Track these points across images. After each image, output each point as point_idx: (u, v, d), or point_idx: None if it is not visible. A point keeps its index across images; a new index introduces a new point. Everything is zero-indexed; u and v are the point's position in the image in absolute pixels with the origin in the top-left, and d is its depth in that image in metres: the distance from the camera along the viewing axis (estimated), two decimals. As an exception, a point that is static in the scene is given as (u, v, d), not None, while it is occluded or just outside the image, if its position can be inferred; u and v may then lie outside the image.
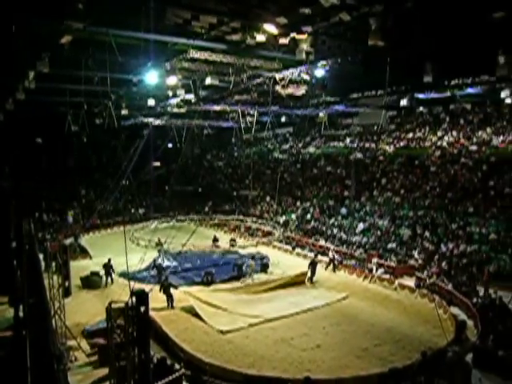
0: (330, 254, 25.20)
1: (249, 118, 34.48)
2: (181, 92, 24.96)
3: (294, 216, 34.67)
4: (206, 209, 41.31)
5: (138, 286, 13.46)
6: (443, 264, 22.46)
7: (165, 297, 18.55)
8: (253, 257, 24.84)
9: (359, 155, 38.51)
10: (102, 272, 22.27)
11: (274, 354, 14.53)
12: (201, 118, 35.15)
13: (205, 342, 15.28)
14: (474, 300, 18.09)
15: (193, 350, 14.13)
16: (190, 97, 26.51)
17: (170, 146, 43.91)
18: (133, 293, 9.47)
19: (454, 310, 18.09)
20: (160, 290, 18.55)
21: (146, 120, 36.62)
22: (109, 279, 22.35)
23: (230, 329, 16.32)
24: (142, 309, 9.30)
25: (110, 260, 22.45)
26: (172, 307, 18.37)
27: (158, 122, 36.97)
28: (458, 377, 12.33)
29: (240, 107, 31.75)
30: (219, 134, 50.72)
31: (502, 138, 30.82)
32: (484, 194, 27.50)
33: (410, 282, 21.60)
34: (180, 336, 15.39)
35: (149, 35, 15.74)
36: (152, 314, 13.06)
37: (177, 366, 11.94)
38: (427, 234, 26.23)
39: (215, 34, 17.11)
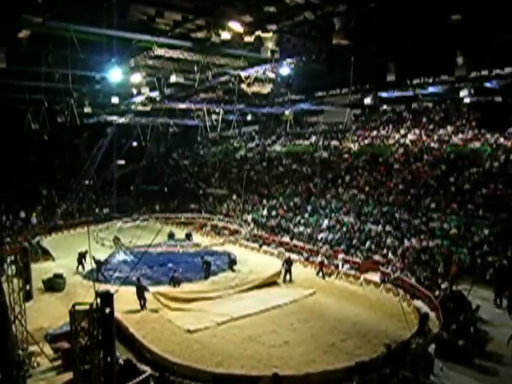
0: (319, 257, 24.08)
1: (214, 117, 34.30)
2: (145, 90, 24.61)
3: (260, 214, 34.75)
4: (172, 208, 40.86)
5: (103, 287, 13.23)
6: (407, 259, 23.00)
7: (135, 298, 18.28)
8: (220, 255, 24.77)
9: (324, 153, 39.00)
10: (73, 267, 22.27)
11: (242, 351, 14.53)
12: (166, 116, 34.74)
13: (172, 342, 15.14)
14: (436, 293, 18.61)
15: (160, 351, 13.97)
16: (155, 95, 26.18)
17: (134, 144, 43.22)
18: (97, 294, 9.29)
19: (418, 303, 18.58)
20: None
21: (109, 118, 35.88)
22: (80, 268, 22.86)
23: (198, 328, 16.23)
24: (107, 310, 9.15)
25: (86, 251, 22.48)
26: (143, 308, 18.19)
27: (122, 120, 36.31)
28: (422, 367, 12.69)
29: (205, 105, 31.56)
30: (185, 132, 50.30)
31: (461, 136, 31.86)
32: (445, 191, 28.33)
33: (375, 277, 22.02)
34: (147, 337, 15.19)
35: (112, 31, 15.46)
36: (118, 315, 12.82)
37: (144, 368, 11.79)
38: (391, 229, 26.80)
39: (180, 31, 16.96)
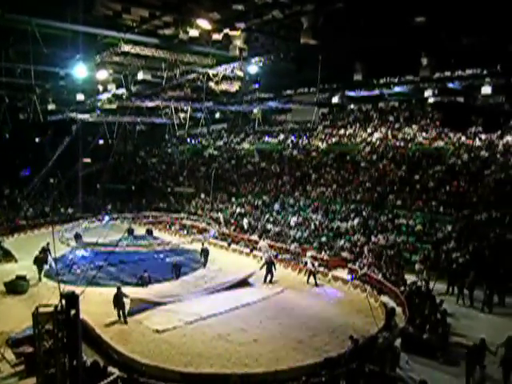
0: (309, 262, 22.23)
1: (182, 114, 34.03)
2: (112, 87, 24.18)
3: (228, 212, 34.70)
4: (140, 207, 40.33)
5: (69, 288, 12.91)
6: (373, 255, 23.40)
7: (102, 298, 17.84)
8: (190, 254, 24.59)
9: (293, 151, 39.29)
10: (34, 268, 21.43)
11: (212, 350, 14.48)
12: (133, 113, 34.24)
13: (141, 343, 14.95)
14: (402, 288, 19.02)
15: (128, 352, 13.76)
16: (122, 92, 25.75)
17: (101, 142, 42.43)
18: (62, 295, 9.07)
19: (384, 298, 18.95)
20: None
21: (74, 115, 35.06)
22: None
23: (166, 328, 16.06)
24: (73, 312, 8.94)
25: (48, 244, 22.06)
26: (125, 322, 16.64)
27: (87, 117, 35.54)
28: (388, 361, 12.96)
29: (173, 103, 31.26)
30: (152, 130, 49.72)
31: (425, 134, 32.65)
32: (410, 188, 28.98)
33: (343, 273, 22.32)
34: (115, 338, 14.94)
35: (76, 26, 15.10)
36: (84, 316, 12.55)
37: (111, 369, 11.59)
38: (359, 226, 27.23)
39: (147, 27, 16.72)
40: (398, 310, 17.08)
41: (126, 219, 33.22)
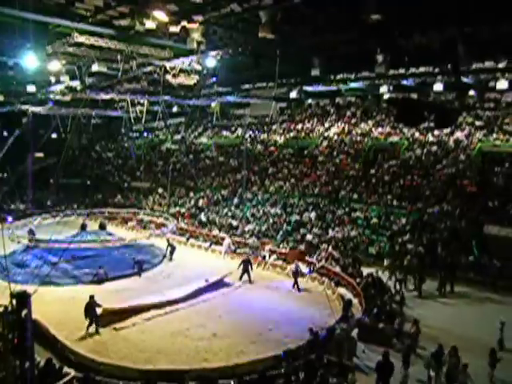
0: (293, 267, 20.70)
1: (139, 108, 33.43)
2: (65, 78, 23.45)
3: (187, 207, 34.41)
4: (95, 202, 39.33)
5: (20, 287, 12.44)
6: (331, 248, 23.82)
7: (56, 296, 17.17)
8: (150, 250, 24.21)
9: (251, 145, 39.36)
10: None
11: (171, 346, 14.35)
12: (88, 106, 33.30)
13: (98, 342, 14.60)
14: (358, 280, 19.46)
15: (85, 351, 13.43)
16: (76, 84, 24.99)
17: (54, 136, 41.04)
18: (13, 295, 8.73)
19: (342, 290, 19.32)
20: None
21: (25, 107, 33.74)
22: None
23: (124, 325, 15.77)
24: (24, 312, 8.61)
25: None
26: (97, 331, 15.22)
27: (39, 109, 34.29)
28: (345, 351, 13.27)
29: (130, 96, 30.65)
30: (108, 123, 48.62)
31: (380, 129, 33.46)
32: (366, 182, 29.65)
33: (302, 266, 22.55)
34: (70, 337, 14.52)
35: (26, 14, 14.49)
36: (37, 316, 12.14)
37: (67, 370, 11.29)
38: (317, 220, 27.63)
39: (102, 17, 16.30)
40: (355, 301, 17.48)
41: (80, 215, 32.34)
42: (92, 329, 15.11)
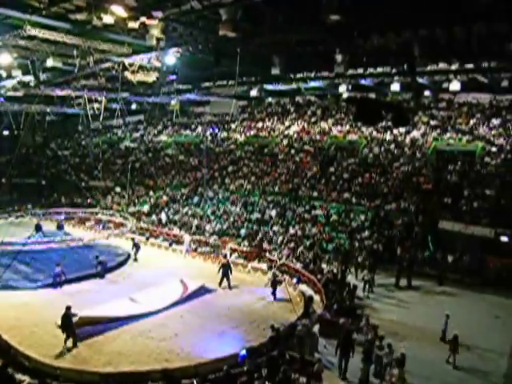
0: (271, 274, 19.77)
1: (96, 105, 32.62)
2: (17, 73, 22.56)
3: (147, 206, 33.87)
4: (51, 202, 38.11)
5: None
6: (292, 245, 24.05)
7: (7, 302, 16.35)
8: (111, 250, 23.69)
9: (211, 143, 39.22)
10: None
11: (132, 347, 14.09)
12: (42, 102, 32.20)
13: (55, 346, 14.06)
14: (319, 276, 19.73)
15: (40, 356, 12.93)
16: (29, 79, 24.11)
17: (6, 133, 39.50)
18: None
19: (303, 287, 19.54)
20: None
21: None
22: None
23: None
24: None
25: None
26: (75, 345, 14.04)
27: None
28: (307, 347, 13.44)
29: (86, 92, 29.86)
30: (64, 120, 47.26)
31: (340, 128, 34.05)
32: (326, 180, 30.09)
33: (262, 264, 22.67)
34: (24, 342, 13.94)
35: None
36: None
37: (21, 377, 10.85)
38: (277, 218, 27.81)
39: (56, 10, 15.78)
40: (316, 297, 17.71)
41: (35, 216, 31.25)
42: (69, 343, 13.99)
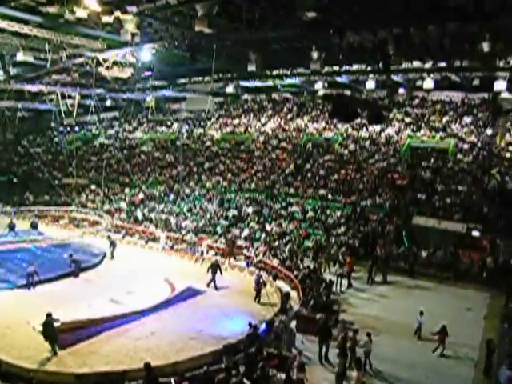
0: (255, 278, 18.55)
1: (70, 101, 32.01)
2: (-15, 67, 21.96)
3: (123, 204, 33.44)
4: (23, 200, 37.22)
5: None
6: (268, 242, 24.12)
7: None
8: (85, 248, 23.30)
9: (187, 140, 38.98)
10: None
11: (108, 347, 13.89)
12: (12, 98, 31.38)
13: (28, 348, 13.69)
14: (295, 273, 19.83)
15: (12, 359, 12.54)
16: (-2, 73, 23.51)
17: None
18: None
19: (280, 283, 19.59)
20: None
21: None
22: None
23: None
24: None
25: None
26: (55, 353, 13.29)
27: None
28: (285, 342, 13.50)
29: (59, 88, 29.23)
30: (36, 117, 46.22)
31: (316, 125, 34.24)
32: (302, 177, 30.24)
33: (240, 261, 22.67)
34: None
35: None
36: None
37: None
38: (254, 214, 27.81)
39: (26, 2, 15.36)
40: (293, 293, 17.79)
41: (6, 214, 30.52)
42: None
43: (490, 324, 16.36)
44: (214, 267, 19.66)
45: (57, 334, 13.36)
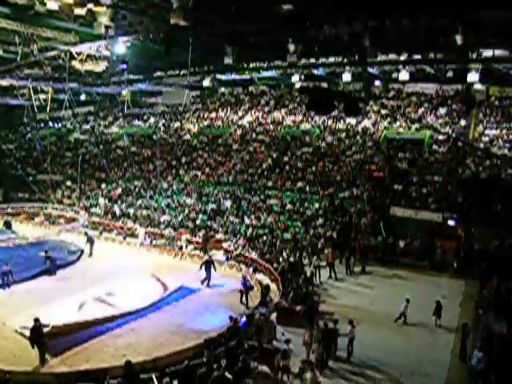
0: (241, 280, 17.52)
1: (43, 96, 31.32)
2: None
3: (101, 200, 32.98)
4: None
5: None
6: (247, 235, 24.17)
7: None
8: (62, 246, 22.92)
9: (164, 134, 38.64)
10: None
11: (88, 345, 13.71)
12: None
13: (4, 348, 13.46)
14: (275, 265, 19.91)
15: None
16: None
17: None
18: None
19: (259, 276, 19.65)
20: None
21: None
22: None
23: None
24: None
25: None
26: (42, 361, 12.44)
27: None
28: (265, 335, 13.56)
29: (31, 82, 28.56)
30: (7, 112, 45.09)
31: (293, 118, 34.33)
32: (280, 169, 30.30)
33: (219, 255, 22.61)
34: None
35: None
36: None
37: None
38: (232, 208, 27.79)
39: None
40: (273, 286, 17.86)
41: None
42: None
43: (465, 310, 16.86)
44: (208, 264, 18.98)
45: (45, 340, 12.61)
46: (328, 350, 13.01)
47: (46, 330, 12.77)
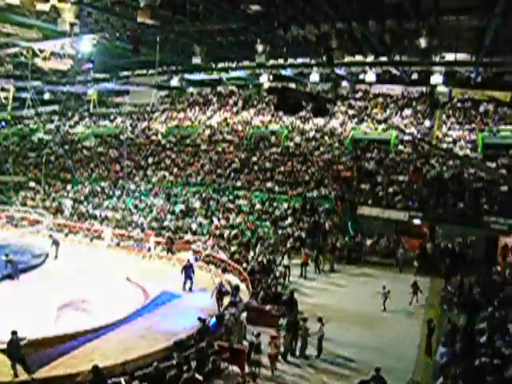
0: (217, 286, 16.89)
1: (3, 94, 30.40)
2: None
3: (66, 201, 32.19)
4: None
5: None
6: (217, 235, 24.08)
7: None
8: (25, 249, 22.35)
9: (131, 134, 38.11)
10: None
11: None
12: None
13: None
14: (245, 265, 19.92)
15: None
16: None
17: None
18: None
19: (229, 276, 19.59)
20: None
21: None
22: None
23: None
24: None
25: None
26: (29, 372, 11.53)
27: None
28: (236, 335, 13.54)
29: (-9, 80, 27.73)
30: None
31: (261, 118, 34.45)
32: (249, 170, 30.33)
33: (188, 256, 22.40)
34: None
35: None
36: None
37: None
38: (201, 209, 27.63)
39: None
40: (243, 285, 17.85)
41: None
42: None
43: (431, 306, 17.35)
44: (188, 268, 18.57)
45: (23, 354, 11.64)
46: (295, 340, 13.35)
47: (23, 342, 11.77)
